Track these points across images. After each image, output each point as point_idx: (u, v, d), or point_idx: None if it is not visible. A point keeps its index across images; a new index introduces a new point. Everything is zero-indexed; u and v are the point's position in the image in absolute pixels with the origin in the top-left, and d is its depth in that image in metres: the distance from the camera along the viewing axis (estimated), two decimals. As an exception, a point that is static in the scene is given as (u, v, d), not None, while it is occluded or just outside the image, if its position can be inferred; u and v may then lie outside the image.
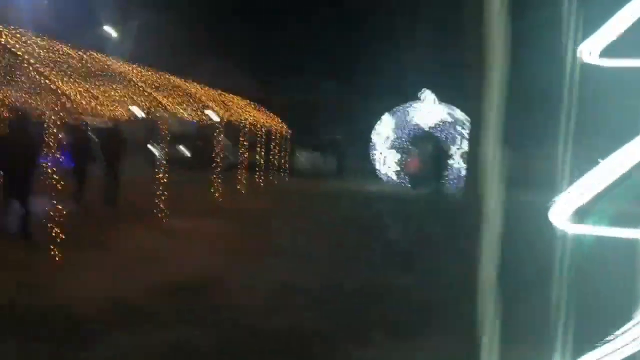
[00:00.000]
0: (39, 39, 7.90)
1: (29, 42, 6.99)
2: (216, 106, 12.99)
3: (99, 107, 10.83)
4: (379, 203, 15.71)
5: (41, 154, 8.30)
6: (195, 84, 13.11)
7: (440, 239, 9.55)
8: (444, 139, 20.42)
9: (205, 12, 44.58)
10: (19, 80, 13.72)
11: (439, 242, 9.20)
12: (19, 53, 6.67)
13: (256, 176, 17.34)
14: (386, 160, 21.12)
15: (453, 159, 19.87)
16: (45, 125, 8.45)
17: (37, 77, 6.84)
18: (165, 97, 10.76)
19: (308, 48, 51.41)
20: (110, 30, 36.28)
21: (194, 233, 9.91)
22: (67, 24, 25.80)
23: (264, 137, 17.70)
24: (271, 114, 18.95)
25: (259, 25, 51.52)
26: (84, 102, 9.18)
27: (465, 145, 20.35)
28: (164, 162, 10.31)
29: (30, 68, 6.62)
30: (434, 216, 12.94)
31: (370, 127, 22.56)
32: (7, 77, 12.85)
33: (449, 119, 20.88)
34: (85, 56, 9.19)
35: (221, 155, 12.98)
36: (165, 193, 10.13)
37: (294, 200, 15.66)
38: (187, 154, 26.25)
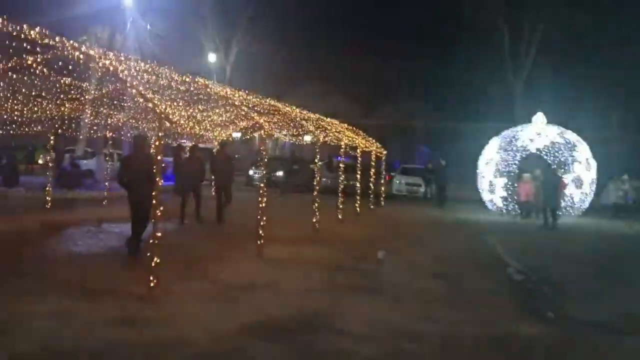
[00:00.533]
0: (143, 63, 7.88)
1: (133, 66, 6.93)
2: (315, 129, 12.59)
3: (202, 131, 11.06)
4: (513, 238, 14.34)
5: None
6: (294, 107, 12.81)
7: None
8: (554, 162, 18.79)
9: (305, 40, 45.46)
10: (126, 104, 14.28)
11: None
12: (125, 78, 6.58)
13: (353, 201, 16.70)
14: (493, 186, 19.73)
15: (567, 184, 18.21)
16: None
17: (142, 101, 6.70)
18: (266, 120, 10.52)
19: (408, 73, 50.79)
20: (212, 57, 37.68)
21: (302, 263, 9.42)
22: (171, 52, 27.07)
23: (361, 160, 17.10)
24: (370, 138, 18.35)
25: (359, 50, 51.69)
26: (187, 126, 9.20)
27: (577, 169, 18.74)
28: (262, 184, 9.99)
29: (134, 91, 6.50)
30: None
31: (475, 152, 21.38)
32: (115, 102, 13.35)
33: (560, 141, 19.24)
34: (188, 80, 9.10)
35: (318, 179, 12.47)
36: (266, 217, 9.75)
37: (399, 228, 14.89)
38: (283, 176, 26.40)
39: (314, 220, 12.74)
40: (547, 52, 32.96)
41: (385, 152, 20.43)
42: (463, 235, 14.40)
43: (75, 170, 18.79)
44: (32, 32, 6.54)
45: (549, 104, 26.03)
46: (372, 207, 18.77)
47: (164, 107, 6.54)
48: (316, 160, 12.87)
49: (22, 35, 6.67)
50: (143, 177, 8.29)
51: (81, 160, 26.16)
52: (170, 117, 7.24)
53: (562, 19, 30.89)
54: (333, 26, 50.47)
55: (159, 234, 6.93)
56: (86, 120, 22.14)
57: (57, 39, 6.43)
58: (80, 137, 29.17)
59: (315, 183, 12.76)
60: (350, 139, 15.23)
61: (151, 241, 6.92)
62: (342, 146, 14.36)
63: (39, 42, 6.82)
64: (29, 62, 9.63)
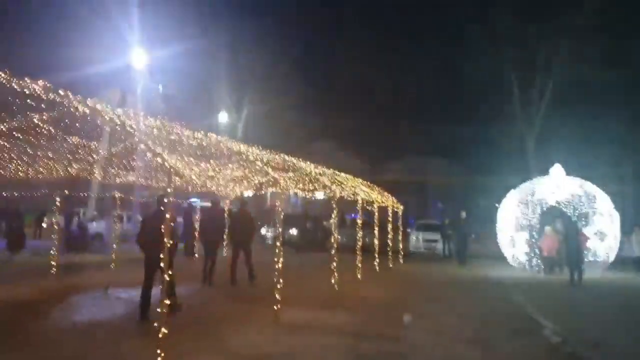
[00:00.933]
0: (153, 119, 7.49)
1: (141, 121, 6.54)
2: (332, 185, 12.06)
3: (214, 187, 10.66)
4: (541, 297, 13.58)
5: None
6: (309, 163, 12.34)
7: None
8: (574, 215, 18.08)
9: (315, 98, 45.87)
10: (135, 164, 13.90)
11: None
12: (133, 132, 6.14)
13: (370, 259, 15.93)
14: (514, 241, 18.93)
15: (588, 237, 17.42)
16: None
17: (150, 157, 6.25)
18: (281, 176, 10.05)
19: (419, 129, 50.97)
20: (224, 117, 37.81)
21: (322, 330, 8.66)
22: (183, 111, 27.10)
23: (377, 217, 16.47)
24: (385, 193, 17.79)
25: (368, 107, 52.10)
26: (199, 182, 8.75)
27: (598, 222, 18.01)
28: (277, 243, 9.39)
29: (143, 147, 6.05)
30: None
31: (489, 206, 20.83)
32: (124, 161, 12.96)
33: (580, 193, 18.57)
34: (200, 136, 8.69)
35: (333, 236, 11.85)
36: (282, 278, 9.07)
37: (422, 288, 14.08)
38: (297, 234, 25.73)
39: (332, 280, 12.03)
40: (558, 105, 32.77)
41: (402, 208, 19.81)
42: (489, 294, 13.55)
43: (83, 233, 18.26)
44: (35, 87, 6.17)
45: (563, 155, 25.53)
46: (391, 265, 17.97)
47: (173, 161, 6.06)
48: (333, 217, 12.26)
49: (27, 91, 6.31)
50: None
51: (90, 222, 25.79)
52: (180, 172, 6.78)
53: (571, 73, 30.85)
54: (342, 83, 51.05)
55: (167, 302, 6.29)
56: (95, 181, 21.88)
57: (61, 92, 6.03)
58: (89, 198, 28.99)
59: (332, 241, 12.10)
60: (366, 194, 14.67)
61: (158, 310, 6.28)
62: (359, 202, 13.79)
63: (44, 97, 6.44)
64: (35, 120, 9.33)
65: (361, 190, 14.18)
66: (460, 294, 13.41)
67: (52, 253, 13.59)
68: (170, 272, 7.74)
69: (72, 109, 6.31)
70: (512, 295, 13.23)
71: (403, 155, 56.98)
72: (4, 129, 9.17)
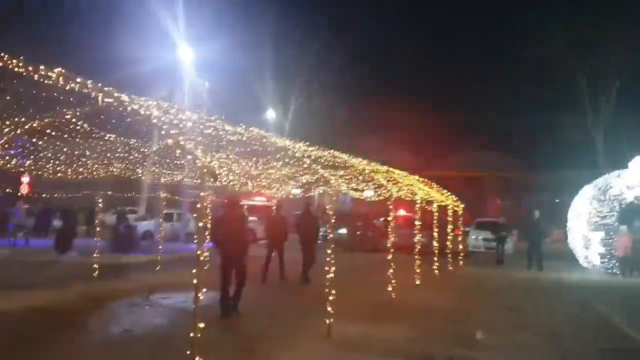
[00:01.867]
0: (190, 112, 6.64)
1: (173, 113, 5.68)
2: (387, 183, 10.96)
3: (257, 188, 9.84)
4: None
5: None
6: (361, 160, 11.28)
7: None
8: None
9: (364, 91, 44.69)
10: (179, 162, 13.23)
11: None
12: (160, 124, 5.28)
13: (428, 261, 14.67)
14: (588, 241, 17.28)
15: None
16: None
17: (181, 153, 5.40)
18: (332, 174, 9.05)
19: (475, 121, 48.91)
20: (271, 114, 37.17)
21: (381, 348, 7.63)
22: (229, 109, 26.50)
23: (435, 216, 15.22)
24: (445, 191, 16.52)
25: (421, 99, 50.46)
26: (238, 182, 7.91)
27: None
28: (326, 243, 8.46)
29: (171, 141, 5.21)
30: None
31: (552, 202, 19.15)
32: (167, 160, 12.28)
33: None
34: (241, 131, 7.79)
35: (392, 237, 10.78)
36: (334, 284, 8.09)
37: (489, 295, 12.82)
38: (346, 233, 24.69)
39: (389, 287, 10.96)
40: (630, 93, 30.39)
41: (462, 206, 18.47)
42: (565, 301, 12.15)
43: (130, 233, 17.81)
44: (52, 75, 5.38)
45: (637, 148, 23.40)
46: (450, 268, 16.69)
47: (208, 159, 5.17)
48: (390, 218, 11.15)
49: (46, 81, 5.54)
50: (236, 235, 8.79)
51: (140, 221, 25.59)
52: (217, 171, 5.90)
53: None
54: (393, 76, 49.63)
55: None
56: (146, 180, 21.51)
57: (79, 80, 5.22)
58: (140, 198, 28.86)
59: (389, 242, 10.99)
60: (425, 192, 13.48)
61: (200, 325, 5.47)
62: (418, 201, 12.62)
63: (65, 88, 5.65)
64: (68, 116, 8.67)
65: (420, 189, 12.99)
66: (533, 301, 12.05)
67: (96, 255, 13.02)
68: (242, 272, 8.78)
69: (97, 102, 5.48)
70: (591, 302, 11.80)
71: (458, 150, 54.90)
72: (36, 127, 8.56)
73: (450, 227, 17.37)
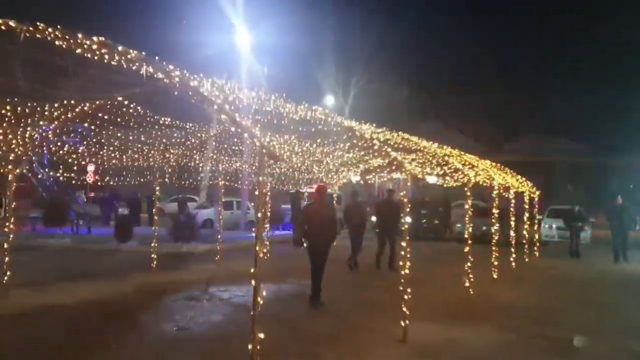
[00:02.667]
0: (246, 90, 5.86)
1: (227, 88, 4.91)
2: (464, 168, 9.87)
3: (322, 172, 9.03)
4: None
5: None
6: (432, 143, 10.23)
7: None
8: None
9: (424, 76, 43.07)
10: (237, 148, 12.61)
11: None
12: (212, 98, 4.51)
13: (502, 252, 13.28)
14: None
15: None
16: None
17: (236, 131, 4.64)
18: (405, 158, 8.10)
19: (541, 105, 46.46)
20: (331, 100, 36.23)
21: (465, 356, 6.67)
22: (288, 94, 25.75)
23: (512, 203, 13.90)
24: (520, 177, 15.15)
25: (481, 83, 48.25)
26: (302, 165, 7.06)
27: None
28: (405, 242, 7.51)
29: (224, 117, 4.42)
30: None
31: (627, 189, 17.28)
32: (225, 146, 11.66)
33: None
34: (304, 109, 6.97)
35: (469, 227, 9.71)
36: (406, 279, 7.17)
37: (576, 290, 11.53)
38: (411, 222, 23.53)
39: (465, 281, 9.92)
40: None
41: (538, 193, 17.01)
42: None
43: (190, 222, 17.41)
44: (92, 43, 4.68)
45: None
46: (527, 259, 15.37)
47: (267, 139, 4.36)
48: (467, 206, 10.07)
49: (90, 53, 4.86)
50: (324, 225, 8.72)
51: (201, 209, 25.39)
52: (274, 153, 5.13)
53: None
54: (452, 60, 47.64)
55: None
56: (206, 168, 21.15)
57: (119, 48, 4.50)
58: (201, 185, 28.67)
59: (467, 232, 9.89)
60: (502, 178, 12.24)
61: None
62: (495, 187, 11.41)
63: (106, 57, 4.96)
64: (120, 98, 8.12)
65: (496, 174, 11.77)
66: (625, 298, 10.70)
67: (154, 245, 12.58)
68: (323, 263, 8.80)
69: (141, 71, 4.76)
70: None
71: (522, 135, 52.35)
72: (87, 110, 8.05)
73: (526, 215, 15.99)
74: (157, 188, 12.53)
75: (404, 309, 6.98)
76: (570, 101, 39.49)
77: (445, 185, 10.24)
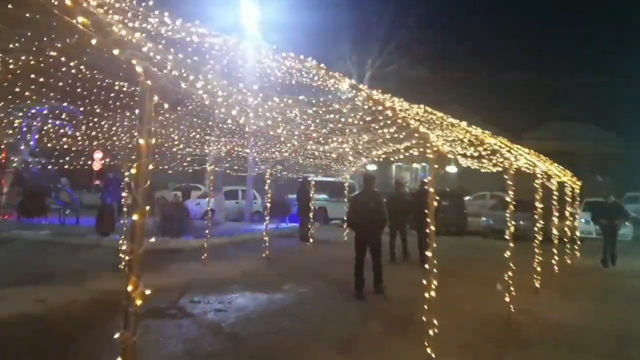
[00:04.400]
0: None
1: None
2: (503, 149, 7.67)
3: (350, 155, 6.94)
4: None
5: None
6: (459, 121, 8.05)
7: None
8: None
9: (441, 59, 40.59)
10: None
11: None
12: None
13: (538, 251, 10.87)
14: None
15: None
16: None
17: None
18: (438, 136, 5.97)
19: (567, 90, 43.62)
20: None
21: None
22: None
23: (555, 195, 11.67)
24: (561, 168, 12.86)
25: (503, 68, 45.63)
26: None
27: None
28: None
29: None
30: None
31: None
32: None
33: None
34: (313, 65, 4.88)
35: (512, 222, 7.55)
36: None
37: None
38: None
39: (501, 291, 7.77)
40: None
41: (580, 184, 14.74)
42: None
43: (180, 214, 15.41)
44: None
45: None
46: (569, 261, 13.15)
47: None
48: (509, 197, 7.87)
49: None
50: (373, 215, 8.63)
51: (202, 198, 23.49)
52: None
53: None
54: (473, 42, 44.98)
55: None
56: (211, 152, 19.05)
57: None
58: (205, 172, 26.38)
59: (507, 228, 7.70)
60: (545, 166, 10.02)
61: None
62: (539, 176, 9.21)
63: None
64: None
65: (539, 160, 9.56)
66: None
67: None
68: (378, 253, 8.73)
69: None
70: None
71: (546, 122, 49.50)
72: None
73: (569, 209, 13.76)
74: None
75: (429, 331, 4.89)
76: (595, 87, 36.75)
77: (482, 170, 8.05)
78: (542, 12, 46.77)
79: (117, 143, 10.07)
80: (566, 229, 13.69)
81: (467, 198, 28.58)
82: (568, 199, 13.82)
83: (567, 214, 13.94)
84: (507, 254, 7.47)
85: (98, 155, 29.95)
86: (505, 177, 7.62)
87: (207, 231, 11.98)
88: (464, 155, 6.99)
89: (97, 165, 25.78)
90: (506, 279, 7.62)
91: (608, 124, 44.54)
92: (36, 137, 21.08)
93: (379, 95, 6.17)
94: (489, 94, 44.62)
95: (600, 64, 37.11)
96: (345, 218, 9.36)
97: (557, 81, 42.42)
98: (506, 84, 44.98)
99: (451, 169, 29.78)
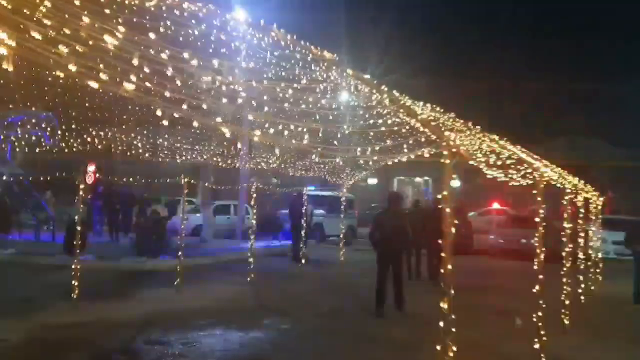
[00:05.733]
0: None
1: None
2: (532, 159, 6.22)
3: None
4: None
5: None
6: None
7: None
8: None
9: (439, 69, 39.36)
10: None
11: None
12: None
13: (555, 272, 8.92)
14: None
15: None
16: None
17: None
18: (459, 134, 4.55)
19: (577, 104, 42.30)
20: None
21: None
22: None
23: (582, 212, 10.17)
24: (583, 181, 11.19)
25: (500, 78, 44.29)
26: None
27: None
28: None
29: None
30: None
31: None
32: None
33: None
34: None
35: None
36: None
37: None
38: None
39: (525, 329, 6.23)
40: None
41: (602, 199, 13.25)
42: None
43: (157, 230, 13.87)
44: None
45: None
46: (592, 287, 11.57)
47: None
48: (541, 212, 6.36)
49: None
50: (396, 235, 8.87)
51: (193, 214, 21.98)
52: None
53: None
54: (479, 49, 43.70)
55: None
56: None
57: None
58: (200, 185, 24.71)
59: (539, 245, 6.18)
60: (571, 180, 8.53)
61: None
62: (569, 190, 7.75)
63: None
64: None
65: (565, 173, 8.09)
66: None
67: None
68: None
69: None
70: None
71: (555, 136, 48.12)
72: None
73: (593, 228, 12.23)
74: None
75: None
76: (606, 100, 35.48)
77: (510, 184, 6.59)
78: (554, 24, 45.58)
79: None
80: (590, 251, 12.14)
81: (471, 214, 27.04)
82: (592, 217, 12.33)
83: (590, 233, 12.40)
84: (537, 288, 5.95)
85: (91, 167, 28.35)
86: (534, 191, 6.14)
87: (179, 252, 10.39)
88: (488, 164, 5.53)
89: (90, 179, 24.14)
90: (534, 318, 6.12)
91: (617, 137, 43.19)
92: (11, 146, 19.37)
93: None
94: (495, 105, 43.30)
95: (610, 76, 35.84)
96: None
97: (566, 94, 41.08)
98: (513, 95, 43.64)
99: (455, 183, 28.43)
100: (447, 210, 3.75)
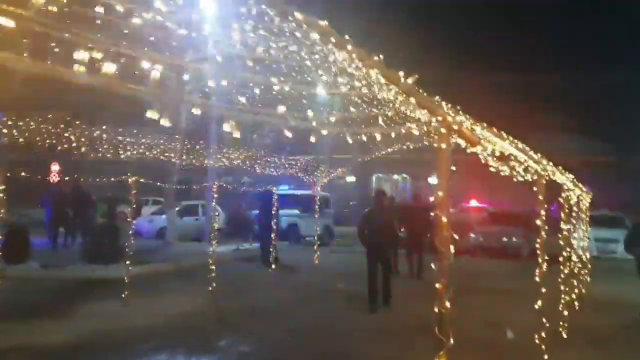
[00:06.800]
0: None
1: None
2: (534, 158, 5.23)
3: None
4: None
5: None
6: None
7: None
8: None
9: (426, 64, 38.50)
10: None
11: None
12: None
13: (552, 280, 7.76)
14: None
15: None
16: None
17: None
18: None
19: (556, 101, 41.97)
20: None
21: None
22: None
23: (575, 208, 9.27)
24: (575, 180, 10.25)
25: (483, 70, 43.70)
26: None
27: None
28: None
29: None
30: None
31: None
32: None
33: None
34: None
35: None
36: None
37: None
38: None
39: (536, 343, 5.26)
40: None
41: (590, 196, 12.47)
42: None
43: (114, 235, 12.57)
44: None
45: None
46: (583, 290, 10.63)
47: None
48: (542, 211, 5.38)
49: None
50: (383, 231, 9.10)
51: (158, 215, 20.81)
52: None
53: None
54: (468, 47, 43.00)
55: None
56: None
57: None
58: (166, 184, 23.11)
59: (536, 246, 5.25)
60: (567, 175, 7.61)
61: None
62: (566, 187, 6.85)
63: None
64: None
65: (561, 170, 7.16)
66: None
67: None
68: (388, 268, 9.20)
69: None
70: None
71: (533, 133, 47.81)
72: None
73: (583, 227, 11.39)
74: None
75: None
76: (591, 98, 35.22)
77: (515, 180, 5.64)
78: (532, 21, 45.09)
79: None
80: (581, 251, 11.24)
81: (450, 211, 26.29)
82: (583, 215, 11.47)
83: (581, 232, 11.51)
84: (539, 304, 4.97)
85: (55, 167, 26.64)
86: (535, 188, 5.18)
87: (127, 263, 9.15)
88: (492, 155, 4.57)
89: (54, 178, 22.51)
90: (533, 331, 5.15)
91: (600, 133, 43.00)
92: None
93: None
94: (478, 101, 42.71)
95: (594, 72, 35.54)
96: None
97: (550, 90, 40.72)
98: (497, 91, 43.19)
99: (432, 180, 27.58)
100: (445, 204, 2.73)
